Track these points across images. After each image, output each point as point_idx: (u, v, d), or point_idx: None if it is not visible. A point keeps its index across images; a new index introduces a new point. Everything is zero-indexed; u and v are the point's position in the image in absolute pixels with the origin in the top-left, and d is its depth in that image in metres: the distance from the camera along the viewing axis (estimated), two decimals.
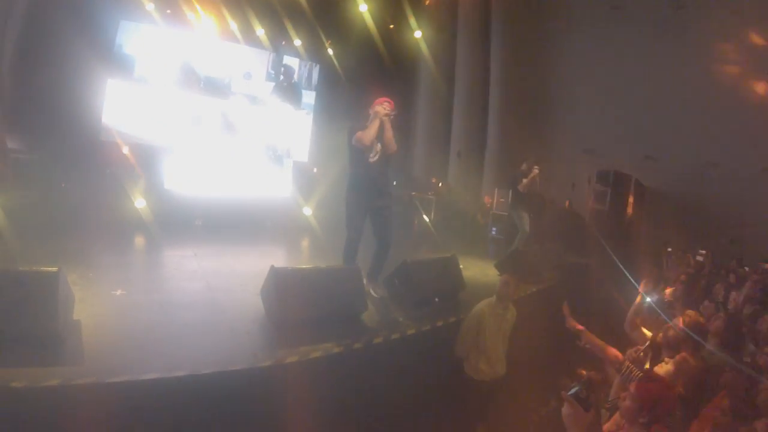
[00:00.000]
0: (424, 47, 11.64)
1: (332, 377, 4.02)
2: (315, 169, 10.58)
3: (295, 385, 3.76)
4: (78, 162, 7.86)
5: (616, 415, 2.95)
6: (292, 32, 10.41)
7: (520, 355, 5.40)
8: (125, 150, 8.49)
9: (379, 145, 5.11)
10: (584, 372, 4.03)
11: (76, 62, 8.16)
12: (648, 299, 4.95)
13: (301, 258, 7.89)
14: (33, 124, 7.56)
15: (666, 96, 10.49)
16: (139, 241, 7.38)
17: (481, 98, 12.74)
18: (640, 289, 4.81)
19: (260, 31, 10.19)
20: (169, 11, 9.03)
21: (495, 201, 11.97)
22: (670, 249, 8.45)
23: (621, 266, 6.98)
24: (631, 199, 10.60)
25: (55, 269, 3.66)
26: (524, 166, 8.23)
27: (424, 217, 10.69)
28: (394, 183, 11.17)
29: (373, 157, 5.10)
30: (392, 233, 5.37)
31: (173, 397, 3.29)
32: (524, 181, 8.10)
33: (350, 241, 5.25)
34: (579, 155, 11.52)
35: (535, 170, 8.06)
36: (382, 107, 5.10)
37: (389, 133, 5.10)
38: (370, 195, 5.14)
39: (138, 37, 8.83)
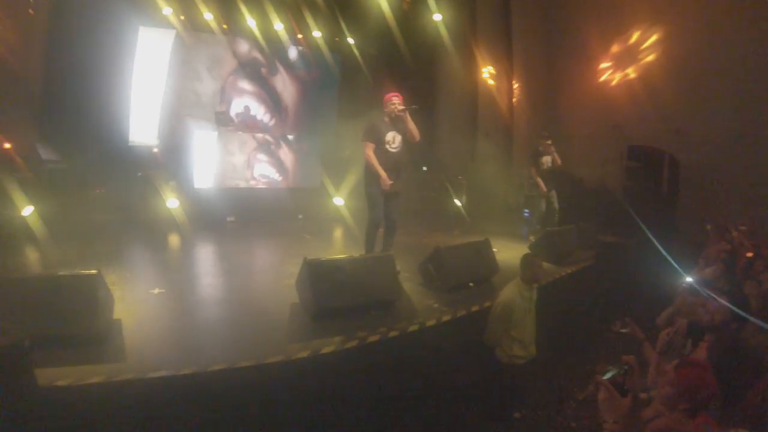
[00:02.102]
0: (443, 30, 11.42)
1: (368, 366, 3.99)
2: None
3: (332, 375, 3.76)
4: (110, 168, 8.03)
5: (656, 402, 2.81)
6: (310, 24, 10.35)
7: (557, 339, 5.25)
8: (154, 152, 8.67)
9: (399, 136, 5.39)
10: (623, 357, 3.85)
11: (101, 72, 8.36)
12: (689, 279, 4.73)
13: (335, 248, 7.89)
14: (65, 135, 7.74)
15: (695, 64, 9.98)
16: (174, 240, 7.53)
17: (506, 77, 12.45)
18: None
19: (278, 26, 10.17)
20: (183, 17, 9.11)
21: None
22: (709, 226, 8.03)
23: (658, 246, 6.73)
24: (665, 175, 10.18)
25: (93, 272, 3.76)
26: (541, 144, 8.29)
27: (456, 200, 10.56)
28: (424, 168, 11.12)
29: (394, 148, 5.39)
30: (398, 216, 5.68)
31: (211, 391, 3.32)
32: (543, 159, 8.17)
33: (373, 224, 5.52)
34: (608, 131, 11.10)
35: (548, 142, 8.17)
36: (394, 106, 5.31)
37: (411, 125, 5.35)
38: (390, 180, 5.35)
39: (157, 42, 8.98)
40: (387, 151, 5.35)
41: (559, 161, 8.21)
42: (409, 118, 5.33)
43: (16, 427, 2.51)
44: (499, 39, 12.29)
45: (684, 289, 4.70)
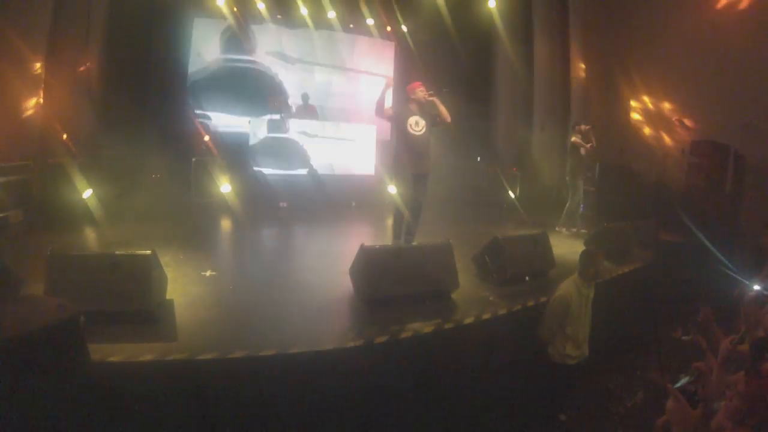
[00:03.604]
0: (497, 18, 11.08)
1: (422, 357, 3.85)
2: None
3: (385, 364, 3.63)
4: (166, 154, 8.19)
5: (720, 415, 2.53)
6: (364, 11, 10.23)
7: (608, 342, 4.95)
8: (207, 138, 8.80)
9: (423, 121, 5.57)
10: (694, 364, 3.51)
11: (158, 61, 8.56)
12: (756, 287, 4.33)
13: (388, 236, 7.75)
14: (123, 124, 7.94)
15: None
16: (226, 224, 7.59)
17: (562, 68, 11.97)
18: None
19: (331, 14, 10.09)
20: (235, 8, 9.20)
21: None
22: None
23: (714, 249, 6.30)
24: (730, 173, 9.51)
25: (148, 252, 3.77)
26: (578, 133, 8.08)
27: (510, 192, 10.25)
28: (478, 159, 10.84)
29: (417, 131, 5.55)
30: (425, 198, 5.77)
31: (262, 376, 3.26)
32: (582, 149, 7.98)
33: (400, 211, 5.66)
34: (670, 124, 10.45)
35: (585, 128, 8.02)
36: (422, 92, 5.56)
37: (441, 108, 5.58)
38: (414, 164, 5.52)
39: (211, 34, 9.10)
40: (410, 134, 5.52)
41: (594, 144, 8.07)
42: (439, 101, 5.56)
43: (68, 399, 2.51)
44: (556, 24, 11.81)
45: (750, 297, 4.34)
